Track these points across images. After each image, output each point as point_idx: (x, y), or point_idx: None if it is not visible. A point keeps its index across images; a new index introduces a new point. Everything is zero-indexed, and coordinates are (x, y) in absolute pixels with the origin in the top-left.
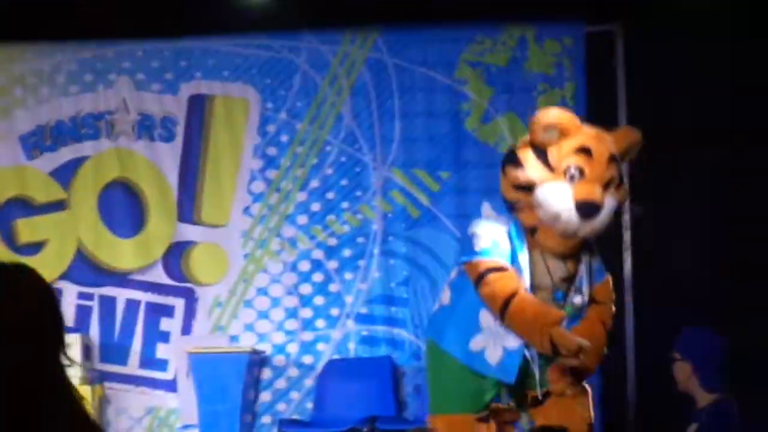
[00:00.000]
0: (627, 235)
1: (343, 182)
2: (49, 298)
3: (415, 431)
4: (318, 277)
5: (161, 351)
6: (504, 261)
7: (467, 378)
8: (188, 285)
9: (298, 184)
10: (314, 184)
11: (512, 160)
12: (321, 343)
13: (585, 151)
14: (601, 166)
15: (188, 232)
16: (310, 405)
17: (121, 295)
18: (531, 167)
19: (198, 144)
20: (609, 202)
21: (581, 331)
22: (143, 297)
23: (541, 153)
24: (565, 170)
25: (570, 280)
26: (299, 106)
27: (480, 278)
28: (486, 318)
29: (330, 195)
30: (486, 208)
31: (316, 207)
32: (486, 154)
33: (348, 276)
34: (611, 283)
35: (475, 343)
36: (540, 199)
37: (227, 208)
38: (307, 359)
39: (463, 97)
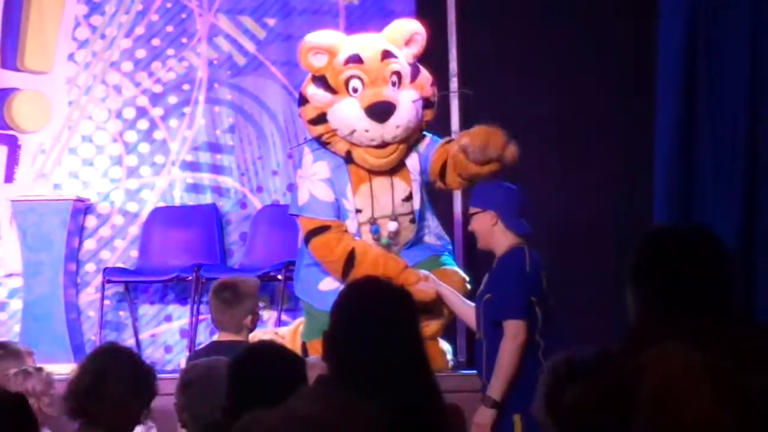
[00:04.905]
0: (455, 123)
1: (169, 29)
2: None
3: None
4: (143, 124)
5: None
6: (325, 215)
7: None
8: (11, 132)
9: (122, 30)
10: (139, 30)
11: (301, 101)
12: (146, 191)
13: (355, 59)
14: (376, 65)
15: (11, 78)
16: (134, 253)
17: None
18: (316, 98)
19: None
20: (405, 96)
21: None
22: None
23: (321, 80)
24: (345, 86)
25: (410, 197)
26: None
27: (306, 242)
28: None
29: (155, 41)
30: (306, 152)
31: (141, 54)
32: (313, 0)
33: (173, 123)
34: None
35: (324, 285)
36: (334, 123)
37: (51, 55)
38: (132, 207)
39: None
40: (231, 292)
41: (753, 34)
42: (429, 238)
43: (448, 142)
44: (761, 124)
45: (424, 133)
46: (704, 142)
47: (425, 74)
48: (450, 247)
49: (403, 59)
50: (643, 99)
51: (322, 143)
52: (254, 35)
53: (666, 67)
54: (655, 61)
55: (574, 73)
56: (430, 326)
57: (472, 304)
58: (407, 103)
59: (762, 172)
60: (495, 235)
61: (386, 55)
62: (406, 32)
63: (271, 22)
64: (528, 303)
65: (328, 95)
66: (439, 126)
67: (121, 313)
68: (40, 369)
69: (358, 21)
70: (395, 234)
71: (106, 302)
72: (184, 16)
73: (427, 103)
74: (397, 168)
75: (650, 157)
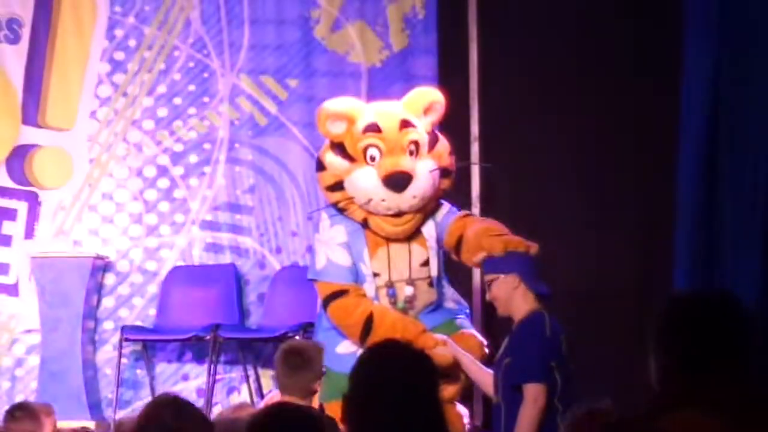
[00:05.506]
0: (475, 191)
1: (191, 88)
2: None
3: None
4: (163, 183)
5: (3, 255)
6: (343, 280)
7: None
8: (32, 189)
9: (145, 89)
10: (161, 89)
11: (318, 167)
12: (165, 250)
13: (373, 128)
14: (395, 135)
15: (33, 135)
16: (153, 312)
17: None
18: (334, 165)
19: (44, 47)
20: (423, 166)
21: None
22: None
23: (339, 147)
24: (363, 154)
25: (428, 262)
26: (147, 11)
27: (324, 307)
28: None
29: (177, 100)
30: (323, 216)
31: (162, 112)
32: (335, 62)
33: (193, 182)
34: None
35: (342, 348)
36: (351, 191)
37: (73, 112)
38: (151, 265)
39: (314, 4)
40: (300, 358)
41: None
42: (447, 303)
43: (467, 215)
44: None
45: (442, 201)
46: (725, 194)
47: (444, 143)
48: (468, 311)
49: (422, 128)
50: (665, 156)
51: (339, 210)
52: (276, 96)
53: (688, 125)
54: (677, 121)
55: (597, 135)
56: (447, 390)
57: (489, 371)
58: (424, 173)
59: None
60: (515, 299)
61: (405, 124)
62: (425, 101)
63: (293, 83)
64: (548, 367)
65: (345, 163)
66: (459, 195)
67: (139, 371)
68: None
69: (381, 84)
70: (411, 298)
71: (124, 360)
72: (206, 75)
73: (444, 172)
74: (413, 234)
75: (671, 210)
